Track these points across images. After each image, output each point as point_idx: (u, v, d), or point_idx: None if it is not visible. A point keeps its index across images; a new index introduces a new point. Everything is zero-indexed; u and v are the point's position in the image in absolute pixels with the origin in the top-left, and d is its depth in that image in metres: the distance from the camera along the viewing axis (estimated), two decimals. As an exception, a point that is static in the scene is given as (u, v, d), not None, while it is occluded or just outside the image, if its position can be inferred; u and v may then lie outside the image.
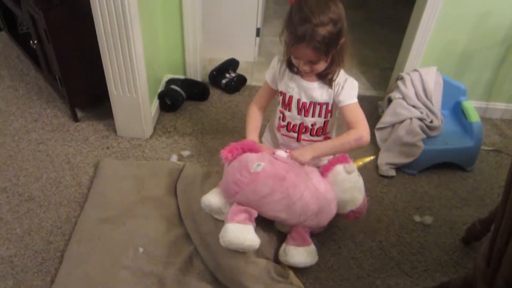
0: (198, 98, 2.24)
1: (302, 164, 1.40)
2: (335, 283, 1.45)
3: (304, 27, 1.25)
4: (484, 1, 1.93)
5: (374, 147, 2.01)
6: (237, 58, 2.44)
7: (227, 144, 1.92)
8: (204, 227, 1.45)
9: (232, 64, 2.39)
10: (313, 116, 1.50)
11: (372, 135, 2.01)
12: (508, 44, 2.03)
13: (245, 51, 2.54)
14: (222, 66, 2.36)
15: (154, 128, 2.04)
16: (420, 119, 1.87)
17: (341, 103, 1.45)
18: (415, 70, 2.01)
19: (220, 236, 1.30)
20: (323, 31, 1.26)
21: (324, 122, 1.52)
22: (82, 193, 1.70)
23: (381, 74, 2.53)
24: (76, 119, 2.06)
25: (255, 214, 1.36)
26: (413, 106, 1.91)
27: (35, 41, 1.99)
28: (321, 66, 1.37)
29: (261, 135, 1.72)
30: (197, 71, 2.32)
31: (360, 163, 1.48)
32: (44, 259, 1.47)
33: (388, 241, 1.60)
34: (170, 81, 2.22)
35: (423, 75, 1.96)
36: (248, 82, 2.38)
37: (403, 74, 2.03)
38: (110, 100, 1.88)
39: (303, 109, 1.49)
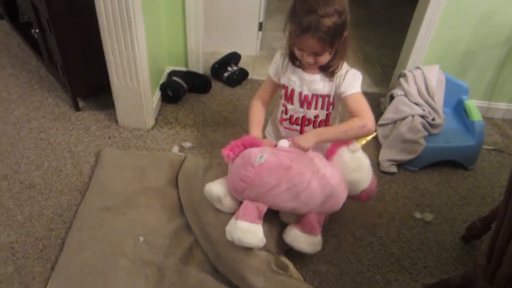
0: (200, 90, 2.23)
1: (305, 150, 1.35)
2: (335, 277, 1.45)
3: (310, 17, 1.25)
4: (488, 0, 1.93)
5: (376, 143, 2.01)
6: (239, 51, 2.44)
7: (228, 137, 1.96)
8: (204, 218, 1.45)
9: (234, 57, 2.38)
10: (315, 108, 1.50)
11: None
12: (511, 44, 2.04)
13: (247, 45, 2.53)
14: (224, 59, 2.35)
15: (156, 119, 2.04)
16: (422, 117, 1.87)
17: (344, 93, 1.43)
18: (418, 67, 2.01)
19: (228, 230, 1.30)
20: (328, 21, 1.25)
21: (327, 114, 1.52)
22: (83, 182, 1.70)
23: (383, 71, 2.54)
24: (77, 109, 2.05)
25: (264, 209, 1.35)
26: (415, 104, 1.91)
27: (37, 30, 1.99)
28: (325, 58, 1.36)
29: (264, 129, 1.72)
30: (199, 64, 2.32)
31: (363, 141, 1.48)
32: (44, 246, 1.47)
33: (388, 237, 1.61)
34: (172, 73, 2.21)
35: (425, 73, 1.96)
36: (250, 76, 2.38)
37: (406, 71, 2.03)
38: (112, 90, 1.87)
39: (305, 102, 1.49)
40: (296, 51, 1.38)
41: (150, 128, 1.99)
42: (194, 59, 2.29)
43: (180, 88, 2.13)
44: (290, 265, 1.41)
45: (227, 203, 1.41)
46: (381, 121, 1.99)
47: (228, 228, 1.32)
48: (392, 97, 2.00)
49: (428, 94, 1.94)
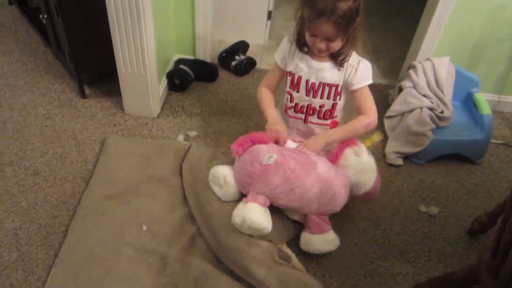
0: (207, 79, 2.22)
1: (315, 152, 1.40)
2: (338, 269, 1.44)
3: (325, 1, 1.23)
4: (500, -8, 1.89)
5: (382, 135, 1.99)
6: (247, 40, 2.42)
7: (234, 126, 1.95)
8: (207, 208, 1.45)
9: (242, 46, 2.36)
10: (321, 97, 1.48)
11: (381, 123, 2.00)
12: (524, 37, 2.00)
13: (255, 34, 2.51)
14: (232, 48, 2.33)
15: (162, 107, 2.03)
16: (430, 109, 1.84)
17: (354, 86, 1.43)
18: (428, 59, 1.98)
19: (239, 214, 1.31)
20: (344, 5, 1.24)
21: (333, 104, 1.50)
22: (87, 169, 1.70)
23: (392, 63, 2.50)
24: (84, 96, 2.05)
25: (268, 202, 1.37)
26: (424, 96, 1.89)
27: (45, 16, 1.98)
28: (337, 45, 1.35)
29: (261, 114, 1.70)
30: (207, 52, 2.30)
31: (369, 143, 1.47)
32: (48, 233, 1.47)
33: (392, 230, 1.59)
34: (179, 61, 2.20)
35: (435, 64, 1.93)
36: (258, 65, 2.36)
37: (415, 62, 2.00)
38: (119, 77, 1.87)
39: (311, 90, 1.47)
40: (308, 37, 1.36)
41: (156, 116, 1.99)
42: (202, 47, 2.27)
43: (187, 77, 2.12)
44: (293, 256, 1.41)
45: (231, 182, 1.42)
46: (388, 113, 1.96)
47: (237, 211, 1.32)
48: (400, 89, 1.97)
49: (437, 86, 1.91)
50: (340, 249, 1.48)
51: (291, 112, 1.56)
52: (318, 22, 1.27)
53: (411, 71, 1.96)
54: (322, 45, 1.34)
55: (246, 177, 1.37)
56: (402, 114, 1.92)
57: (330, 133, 1.49)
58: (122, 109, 1.99)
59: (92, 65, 1.98)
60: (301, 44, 1.43)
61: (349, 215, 1.61)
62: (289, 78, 1.50)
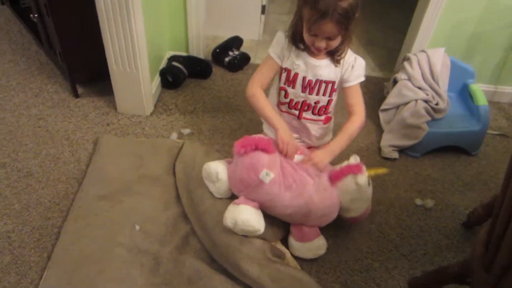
0: (200, 75, 2.20)
1: (320, 170, 1.39)
2: (332, 264, 1.43)
3: (327, 0, 1.21)
4: (496, -19, 1.86)
5: (377, 128, 1.98)
6: (241, 36, 2.40)
7: (228, 123, 1.93)
8: (201, 207, 1.44)
9: (235, 42, 2.35)
10: (317, 94, 1.46)
11: (376, 116, 1.99)
12: (520, 26, 1.97)
13: (250, 29, 2.49)
14: (225, 43, 2.32)
15: (155, 105, 2.02)
16: (426, 101, 1.82)
17: (348, 83, 1.43)
18: (422, 51, 1.96)
19: (229, 216, 1.29)
20: (345, 3, 1.22)
21: (328, 101, 1.49)
22: (80, 170, 1.69)
23: (388, 54, 2.48)
24: (76, 95, 2.04)
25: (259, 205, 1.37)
26: (419, 88, 1.87)
27: (36, 15, 1.96)
28: (337, 42, 1.33)
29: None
30: (200, 49, 2.28)
31: (373, 173, 1.43)
32: (41, 235, 1.46)
33: (387, 224, 1.58)
34: (172, 58, 2.18)
35: (430, 56, 1.91)
36: (252, 61, 2.35)
37: (410, 54, 1.98)
38: (110, 75, 1.85)
39: (308, 86, 1.45)
40: (307, 36, 1.33)
41: (149, 114, 1.97)
42: (195, 44, 2.25)
43: (180, 74, 2.11)
44: (287, 253, 1.40)
45: (224, 178, 1.40)
46: (383, 106, 1.95)
47: (229, 213, 1.30)
48: (395, 81, 1.96)
49: (433, 78, 1.88)
50: (335, 245, 1.48)
51: (284, 108, 1.54)
52: (322, 23, 1.24)
53: (406, 63, 1.94)
54: (322, 44, 1.31)
55: (239, 183, 1.35)
56: (397, 107, 1.90)
57: (334, 148, 1.44)
58: (115, 108, 1.98)
59: (84, 64, 1.97)
60: (296, 41, 1.40)
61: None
62: (284, 74, 1.47)
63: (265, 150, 1.32)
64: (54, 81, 2.13)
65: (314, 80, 1.43)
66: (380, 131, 1.95)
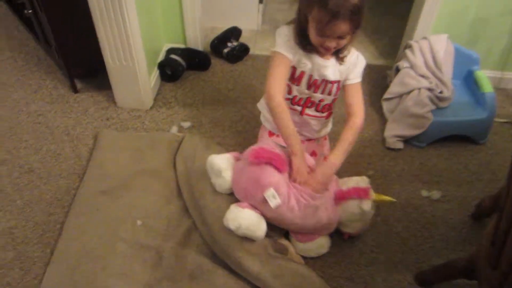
0: (199, 67, 2.17)
1: (323, 190, 1.35)
2: (337, 258, 1.41)
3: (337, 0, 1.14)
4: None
5: (381, 118, 1.94)
6: (240, 26, 2.36)
7: (228, 115, 1.90)
8: (201, 201, 1.42)
9: (234, 32, 2.31)
10: (322, 93, 1.43)
11: (379, 106, 1.96)
12: (527, 10, 1.92)
13: (248, 18, 2.44)
14: (223, 34, 2.28)
15: (155, 99, 2.00)
16: (429, 89, 1.79)
17: (350, 81, 1.40)
18: (424, 38, 1.91)
19: (234, 219, 1.25)
20: (355, 0, 1.16)
21: (333, 99, 1.46)
22: (81, 165, 1.68)
23: (390, 42, 2.43)
24: (75, 90, 2.02)
25: None
26: (422, 76, 1.83)
27: (29, 11, 1.93)
28: (348, 40, 1.28)
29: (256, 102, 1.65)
30: (198, 40, 2.24)
31: (379, 199, 1.37)
32: (44, 230, 1.46)
33: (393, 216, 1.55)
34: (170, 51, 2.15)
35: (432, 43, 1.87)
36: (251, 51, 2.30)
37: (412, 42, 1.93)
38: (107, 70, 1.83)
39: (313, 85, 1.41)
40: (315, 38, 1.26)
41: (149, 108, 1.95)
42: (192, 35, 2.22)
43: (178, 66, 2.08)
44: (290, 248, 1.38)
45: (227, 177, 1.36)
46: (386, 95, 1.91)
47: (231, 215, 1.26)
48: (397, 70, 1.91)
49: (436, 65, 1.84)
50: (340, 238, 1.45)
51: (287, 103, 1.48)
52: (335, 24, 1.18)
53: (408, 51, 1.90)
54: (332, 44, 1.25)
55: (243, 191, 1.32)
56: (400, 96, 1.86)
57: (337, 162, 1.35)
58: (115, 103, 1.95)
59: (81, 59, 1.94)
60: (304, 44, 1.32)
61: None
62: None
63: (277, 167, 1.27)
64: (52, 77, 2.10)
65: (320, 80, 1.39)
66: (383, 120, 1.91)
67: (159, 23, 2.13)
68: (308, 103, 1.46)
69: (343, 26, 1.19)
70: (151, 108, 1.95)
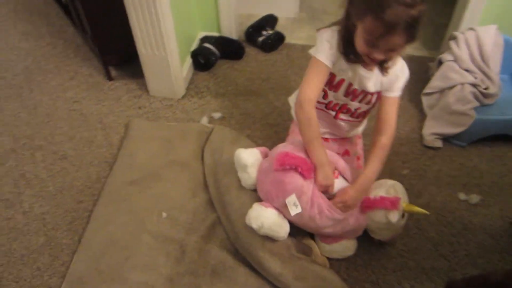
0: (233, 56, 2.14)
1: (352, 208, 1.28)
2: (364, 262, 1.36)
3: (396, 9, 1.01)
4: None
5: (420, 113, 1.84)
6: (276, 14, 2.29)
7: (260, 107, 1.87)
8: (226, 197, 1.40)
9: (269, 20, 2.25)
10: (360, 102, 1.36)
11: (419, 100, 1.86)
12: None
13: (285, 6, 2.37)
14: (259, 22, 2.23)
15: (187, 88, 1.99)
16: (473, 85, 1.67)
17: (389, 93, 1.29)
18: (471, 28, 1.78)
19: (257, 217, 1.22)
20: (415, 11, 1.02)
21: (370, 108, 1.40)
22: (112, 154, 1.70)
23: (435, 31, 2.29)
24: (110, 78, 2.04)
25: None
26: (466, 70, 1.71)
27: (66, -1, 1.96)
28: (398, 53, 1.17)
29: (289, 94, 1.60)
30: (232, 28, 2.20)
31: (411, 209, 1.26)
32: (73, 218, 1.49)
33: (426, 219, 1.48)
34: (204, 39, 2.13)
35: (480, 34, 1.73)
36: (287, 40, 2.24)
37: (457, 33, 1.80)
38: (140, 58, 1.83)
39: (351, 94, 1.33)
40: (363, 47, 1.13)
41: (181, 97, 1.94)
42: (227, 23, 2.18)
43: (211, 55, 2.05)
44: (315, 248, 1.35)
45: (252, 174, 1.34)
46: (426, 89, 1.81)
47: (254, 213, 1.23)
48: (440, 63, 1.80)
49: (482, 59, 1.72)
50: (368, 241, 1.39)
51: (321, 106, 1.42)
52: (390, 38, 1.05)
53: (452, 43, 1.78)
54: (381, 56, 1.13)
55: (265, 193, 1.29)
56: (442, 91, 1.75)
57: (367, 183, 1.27)
58: (147, 91, 1.96)
59: (116, 46, 1.95)
60: (348, 53, 1.21)
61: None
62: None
63: (302, 173, 1.22)
64: (89, 64, 2.14)
65: (360, 90, 1.31)
66: (422, 116, 1.82)
67: (193, 10, 2.10)
68: (343, 109, 1.39)
69: (397, 40, 1.06)
70: (183, 97, 1.95)
